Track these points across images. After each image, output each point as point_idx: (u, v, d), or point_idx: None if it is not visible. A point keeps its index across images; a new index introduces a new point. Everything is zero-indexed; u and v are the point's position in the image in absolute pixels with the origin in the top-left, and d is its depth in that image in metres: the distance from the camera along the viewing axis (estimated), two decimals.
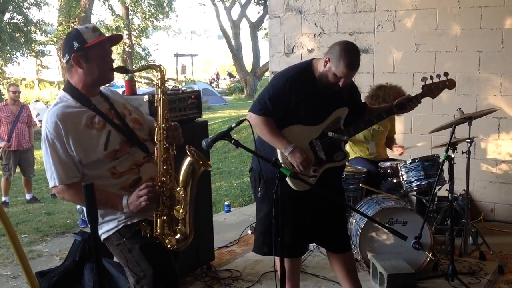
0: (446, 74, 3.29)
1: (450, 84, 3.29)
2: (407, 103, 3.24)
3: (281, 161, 3.13)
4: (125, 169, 2.46)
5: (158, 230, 2.43)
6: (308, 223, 3.25)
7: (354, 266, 3.45)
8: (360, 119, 3.28)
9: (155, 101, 2.49)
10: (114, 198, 2.41)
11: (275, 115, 3.12)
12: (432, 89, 3.27)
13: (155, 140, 2.47)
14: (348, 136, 3.23)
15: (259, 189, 3.23)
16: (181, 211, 2.43)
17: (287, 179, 3.01)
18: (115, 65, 2.55)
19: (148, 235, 2.44)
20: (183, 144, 2.53)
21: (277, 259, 2.83)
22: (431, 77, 3.27)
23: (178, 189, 2.44)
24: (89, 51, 2.42)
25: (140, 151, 2.52)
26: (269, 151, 3.17)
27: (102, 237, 2.51)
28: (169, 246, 2.44)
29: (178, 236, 2.44)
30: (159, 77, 2.50)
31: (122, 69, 2.67)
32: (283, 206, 2.64)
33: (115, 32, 19.52)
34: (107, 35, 2.56)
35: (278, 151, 3.15)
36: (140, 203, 2.37)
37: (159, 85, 2.49)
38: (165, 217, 2.43)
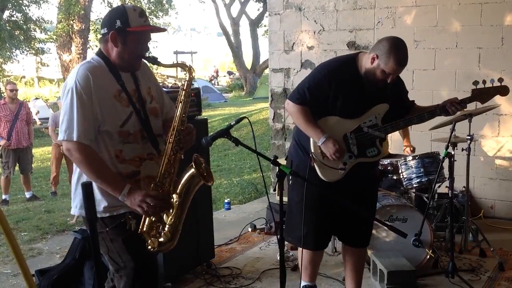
0: (500, 79, 3.16)
1: (503, 90, 3.14)
2: (453, 108, 3.06)
3: (312, 150, 3.12)
4: (129, 157, 2.42)
5: (145, 228, 2.39)
6: (333, 216, 3.22)
7: (362, 263, 3.47)
8: (402, 118, 3.15)
9: (176, 102, 2.45)
10: (119, 183, 2.35)
11: (312, 105, 3.10)
12: (482, 94, 3.13)
13: (167, 139, 2.44)
14: (385, 134, 3.16)
15: (290, 178, 3.23)
16: (170, 216, 2.40)
17: (316, 168, 3.08)
18: (147, 54, 2.48)
19: (133, 229, 2.40)
20: (192, 147, 2.49)
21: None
22: (484, 82, 3.16)
23: (174, 195, 2.42)
24: (128, 35, 2.38)
25: (148, 146, 2.48)
26: (306, 140, 3.17)
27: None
28: (149, 247, 2.40)
29: (161, 239, 2.41)
30: (187, 78, 2.45)
31: (152, 60, 2.58)
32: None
33: None
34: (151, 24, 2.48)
35: (311, 140, 3.13)
36: (139, 208, 2.32)
37: (184, 87, 2.45)
38: (154, 218, 2.40)
